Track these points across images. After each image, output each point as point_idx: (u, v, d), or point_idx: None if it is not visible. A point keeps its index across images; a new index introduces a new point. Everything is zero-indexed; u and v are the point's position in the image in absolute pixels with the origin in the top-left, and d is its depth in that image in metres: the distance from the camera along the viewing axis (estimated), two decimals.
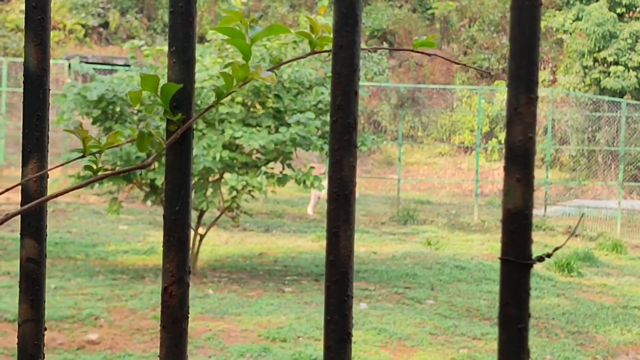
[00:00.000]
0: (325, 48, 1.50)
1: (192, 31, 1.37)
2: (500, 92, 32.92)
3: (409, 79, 36.45)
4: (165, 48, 14.89)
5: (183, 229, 1.36)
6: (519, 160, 1.15)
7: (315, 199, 23.65)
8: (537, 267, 16.78)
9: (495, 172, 32.15)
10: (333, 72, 1.26)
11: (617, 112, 27.87)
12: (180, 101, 1.38)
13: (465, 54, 37.62)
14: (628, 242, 21.41)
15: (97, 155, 1.38)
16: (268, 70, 1.45)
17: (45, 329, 1.45)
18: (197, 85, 13.39)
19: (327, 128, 15.29)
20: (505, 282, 1.17)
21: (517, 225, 1.15)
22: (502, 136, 33.01)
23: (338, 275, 1.26)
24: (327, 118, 14.59)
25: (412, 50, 1.46)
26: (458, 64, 1.47)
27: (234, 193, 14.10)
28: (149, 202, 15.09)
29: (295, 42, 13.76)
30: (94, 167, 1.38)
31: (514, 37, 1.16)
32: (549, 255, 1.19)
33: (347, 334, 1.26)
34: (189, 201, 1.35)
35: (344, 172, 1.25)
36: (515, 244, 1.16)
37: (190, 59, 1.38)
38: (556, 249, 1.21)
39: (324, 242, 15.07)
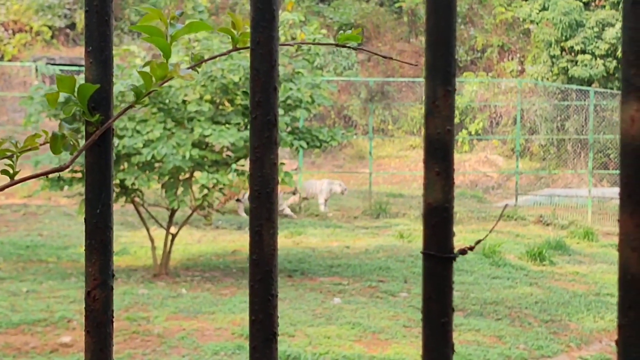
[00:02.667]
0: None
1: (109, 30, 1.35)
2: (469, 84, 32.97)
3: (378, 72, 36.45)
4: (133, 47, 14.88)
5: (105, 231, 1.34)
6: (438, 154, 1.13)
7: (291, 201, 23.48)
8: (509, 257, 16.84)
9: (466, 163, 32.21)
10: (251, 68, 1.24)
11: (585, 100, 27.99)
12: (99, 102, 1.36)
13: None
14: (599, 230, 21.51)
15: (14, 159, 1.36)
16: (188, 68, 1.43)
17: None
18: (165, 85, 13.34)
19: (297, 124, 15.32)
20: (428, 276, 1.16)
21: (438, 219, 1.14)
22: (472, 127, 33.07)
23: (262, 274, 1.24)
24: (297, 114, 14.59)
25: (339, 46, 1.44)
26: (384, 57, 1.46)
27: (205, 191, 14.05)
28: (119, 203, 14.99)
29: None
30: (11, 171, 1.35)
31: (429, 28, 1.14)
32: (471, 248, 1.18)
33: (272, 333, 1.25)
34: (110, 203, 1.33)
35: (265, 169, 1.24)
36: (436, 238, 1.15)
37: (107, 58, 1.35)
38: (478, 241, 1.20)
39: (296, 238, 15.12)
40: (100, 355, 1.36)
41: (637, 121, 1.03)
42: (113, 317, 1.36)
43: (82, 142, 1.32)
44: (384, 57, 1.47)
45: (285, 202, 22.92)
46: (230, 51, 1.47)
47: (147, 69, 1.38)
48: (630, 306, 1.04)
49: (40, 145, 1.38)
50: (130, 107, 1.44)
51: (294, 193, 23.23)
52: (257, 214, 1.25)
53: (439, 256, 1.14)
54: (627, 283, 1.04)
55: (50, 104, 1.40)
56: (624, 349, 1.04)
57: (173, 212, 14.40)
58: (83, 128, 1.42)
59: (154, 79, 1.38)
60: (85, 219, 1.36)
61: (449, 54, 1.13)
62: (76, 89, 1.32)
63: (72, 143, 1.33)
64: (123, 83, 12.55)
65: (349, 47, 1.43)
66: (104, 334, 1.35)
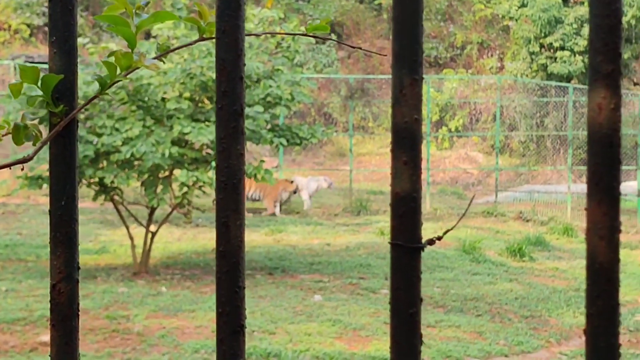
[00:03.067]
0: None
1: (73, 20, 1.33)
2: (449, 81, 33.02)
3: (358, 69, 36.44)
4: (111, 45, 14.83)
5: (70, 224, 1.33)
6: (405, 143, 1.12)
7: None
8: (489, 253, 16.88)
9: (446, 160, 32.26)
10: (217, 58, 1.23)
11: (564, 97, 28.06)
12: (63, 92, 1.35)
13: None
14: (579, 226, 21.56)
15: None
16: (154, 58, 1.42)
17: None
18: (144, 82, 13.32)
19: (277, 121, 15.31)
20: (396, 267, 1.15)
21: (405, 208, 1.13)
22: (452, 124, 33.12)
23: (229, 267, 1.23)
24: (277, 111, 14.57)
25: (308, 35, 1.44)
26: (350, 46, 1.45)
27: (185, 189, 14.02)
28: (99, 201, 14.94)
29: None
30: None
31: (396, 17, 1.13)
32: (439, 238, 1.18)
33: (239, 326, 1.24)
34: (75, 195, 1.32)
35: (232, 160, 1.23)
36: (404, 228, 1.14)
37: (71, 48, 1.34)
38: (447, 231, 1.20)
39: (277, 236, 15.09)
40: (65, 349, 1.34)
41: (604, 109, 1.03)
42: (78, 310, 1.35)
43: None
44: (352, 47, 1.46)
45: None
46: (196, 41, 1.46)
47: (112, 59, 1.37)
48: (599, 295, 1.04)
49: (3, 136, 1.37)
50: (95, 97, 1.43)
51: (294, 192, 23.32)
52: (223, 205, 1.24)
53: (406, 246, 1.14)
54: (595, 272, 1.04)
55: (13, 94, 1.38)
56: (592, 338, 1.04)
57: (153, 210, 14.36)
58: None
59: (118, 69, 1.37)
60: (50, 211, 1.35)
61: (416, 43, 1.13)
62: (40, 80, 1.30)
63: (34, 134, 1.31)
64: None
65: (316, 37, 1.43)
66: (69, 328, 1.34)
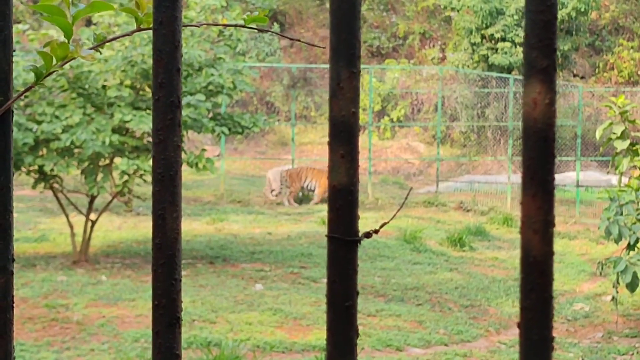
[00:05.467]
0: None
1: (8, 9, 1.32)
2: (391, 71, 33.10)
3: (300, 59, 36.40)
4: (52, 32, 14.67)
5: (4, 215, 1.32)
6: (343, 136, 1.13)
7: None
8: (430, 243, 16.98)
9: (388, 150, 32.36)
10: (154, 49, 1.23)
11: (505, 87, 28.25)
12: None
13: None
14: (518, 216, 20.93)
15: None
16: (90, 48, 1.41)
17: None
18: (84, 69, 13.21)
19: (219, 110, 15.26)
20: (332, 260, 1.16)
21: (342, 201, 1.14)
22: (394, 114, 33.23)
23: (165, 259, 1.23)
24: (218, 100, 14.55)
25: (246, 27, 1.43)
26: (289, 38, 1.45)
27: (126, 177, 13.95)
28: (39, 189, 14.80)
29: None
30: None
31: (333, 11, 1.13)
32: (376, 231, 1.18)
33: (175, 318, 1.24)
34: (9, 186, 1.31)
35: (169, 152, 1.22)
36: (341, 221, 1.15)
37: (6, 38, 1.33)
38: (383, 224, 1.20)
39: (218, 225, 15.02)
40: (0, 342, 1.33)
41: (539, 104, 1.04)
42: (13, 302, 1.34)
43: None
44: (291, 38, 1.46)
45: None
46: (133, 32, 1.45)
47: (47, 49, 1.35)
48: (532, 288, 1.05)
49: None
50: (30, 88, 1.41)
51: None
52: (160, 197, 1.23)
53: (343, 239, 1.14)
54: (529, 265, 1.05)
55: None
56: (526, 330, 1.05)
57: (93, 199, 14.27)
58: None
59: (54, 59, 1.35)
60: None
61: (353, 37, 1.13)
62: None
63: None
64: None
65: (254, 29, 1.42)
66: (4, 320, 1.32)
